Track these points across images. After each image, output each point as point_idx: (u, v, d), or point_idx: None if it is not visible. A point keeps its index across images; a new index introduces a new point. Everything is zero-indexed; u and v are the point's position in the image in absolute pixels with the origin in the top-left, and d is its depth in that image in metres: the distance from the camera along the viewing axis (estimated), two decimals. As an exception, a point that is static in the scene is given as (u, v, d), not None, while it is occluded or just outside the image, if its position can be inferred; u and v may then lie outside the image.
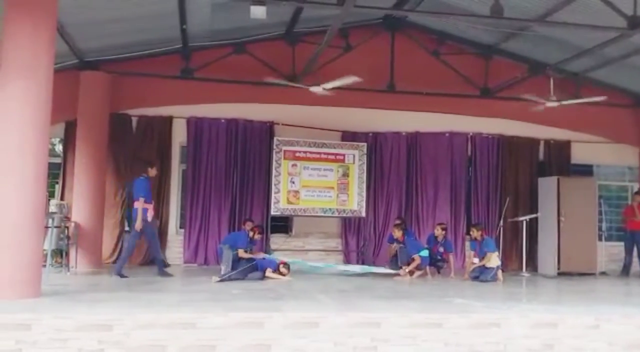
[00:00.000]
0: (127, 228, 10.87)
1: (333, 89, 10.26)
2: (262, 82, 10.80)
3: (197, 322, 5.47)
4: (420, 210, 12.27)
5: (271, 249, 11.33)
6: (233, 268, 9.05)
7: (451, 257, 10.79)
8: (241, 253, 9.26)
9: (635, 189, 12.82)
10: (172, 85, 11.28)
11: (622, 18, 8.16)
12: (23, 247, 6.34)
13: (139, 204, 9.09)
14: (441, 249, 10.71)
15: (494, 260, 10.04)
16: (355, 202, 11.74)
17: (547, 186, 12.02)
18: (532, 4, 9.33)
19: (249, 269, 8.96)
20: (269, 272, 9.15)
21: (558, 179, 11.79)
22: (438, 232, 10.84)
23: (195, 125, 11.62)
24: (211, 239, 11.39)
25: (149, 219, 9.19)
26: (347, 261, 11.91)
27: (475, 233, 10.40)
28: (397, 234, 10.41)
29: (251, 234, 9.90)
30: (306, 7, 9.35)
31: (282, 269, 9.32)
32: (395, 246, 10.54)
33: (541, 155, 12.86)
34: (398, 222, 11.12)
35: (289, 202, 11.46)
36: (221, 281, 8.53)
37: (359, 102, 11.59)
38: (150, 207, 9.26)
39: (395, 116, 12.17)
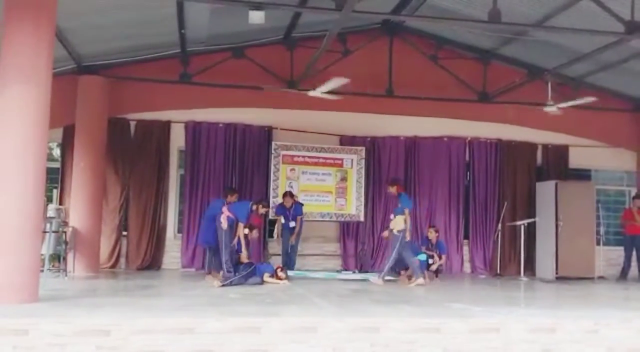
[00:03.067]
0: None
1: (330, 93, 10.25)
2: (261, 87, 10.81)
3: (195, 328, 5.46)
4: (418, 214, 12.25)
5: (269, 254, 11.32)
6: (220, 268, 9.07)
7: (443, 258, 10.76)
8: (243, 258, 9.23)
9: (633, 194, 12.81)
10: (171, 90, 11.28)
11: (620, 23, 8.18)
12: (21, 252, 6.32)
13: (240, 230, 9.05)
14: (435, 255, 10.58)
15: (399, 222, 9.43)
16: (354, 206, 11.74)
17: (545, 190, 12.03)
18: (530, 9, 9.35)
19: (249, 273, 8.93)
20: (266, 277, 9.13)
21: (556, 184, 11.80)
22: (431, 234, 10.81)
23: (194, 130, 11.62)
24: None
25: (225, 227, 9.06)
26: (345, 265, 11.90)
27: (390, 189, 10.01)
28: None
29: (254, 207, 9.36)
30: (305, 12, 9.37)
31: (280, 274, 9.30)
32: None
33: (539, 160, 12.87)
34: None
35: (288, 207, 11.44)
36: (222, 286, 8.52)
37: (358, 106, 11.59)
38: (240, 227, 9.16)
39: (394, 121, 12.18)
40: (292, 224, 10.83)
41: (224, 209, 9.16)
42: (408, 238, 9.51)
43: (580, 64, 10.78)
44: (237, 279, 8.73)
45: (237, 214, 9.05)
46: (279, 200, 11.36)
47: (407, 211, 9.51)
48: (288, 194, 10.97)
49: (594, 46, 9.69)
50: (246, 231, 9.38)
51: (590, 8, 8.51)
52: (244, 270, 8.91)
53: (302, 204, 11.07)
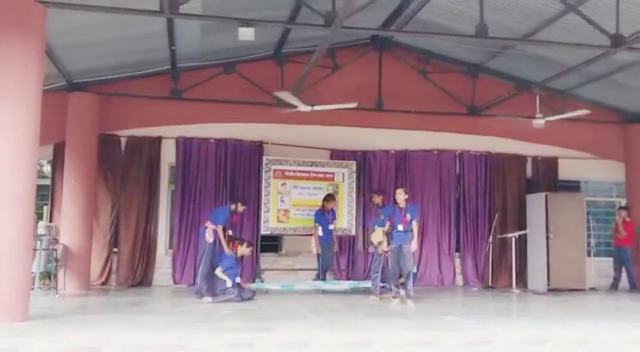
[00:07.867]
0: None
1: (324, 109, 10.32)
2: (251, 102, 10.84)
3: (186, 344, 5.44)
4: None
5: (261, 269, 11.28)
6: (208, 284, 9.07)
7: (415, 225, 9.10)
8: (217, 271, 9.12)
9: (623, 205, 12.89)
10: (161, 106, 11.30)
11: (605, 36, 8.29)
12: (11, 270, 6.30)
13: (209, 226, 9.32)
14: (408, 217, 8.99)
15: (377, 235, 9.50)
16: (345, 220, 11.72)
17: (535, 202, 12.09)
18: (516, 23, 9.45)
19: (240, 291, 8.86)
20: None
21: (546, 196, 11.86)
22: (400, 197, 9.01)
23: (185, 146, 11.63)
24: (201, 260, 11.33)
25: (210, 240, 9.33)
26: (338, 279, 11.86)
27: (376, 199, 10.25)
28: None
29: (233, 207, 9.74)
30: (294, 28, 9.44)
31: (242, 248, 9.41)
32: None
33: (529, 172, 12.93)
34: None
35: (279, 221, 11.43)
36: (213, 302, 8.49)
37: (348, 120, 11.64)
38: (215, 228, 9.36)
39: (384, 134, 12.23)
40: (331, 227, 10.81)
41: (207, 223, 9.37)
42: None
43: (567, 77, 10.87)
44: (233, 298, 8.66)
45: (212, 218, 9.43)
46: (271, 215, 11.35)
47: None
48: (331, 197, 10.98)
49: (581, 59, 9.81)
50: (247, 251, 9.62)
51: (576, 22, 8.63)
52: (219, 284, 8.87)
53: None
